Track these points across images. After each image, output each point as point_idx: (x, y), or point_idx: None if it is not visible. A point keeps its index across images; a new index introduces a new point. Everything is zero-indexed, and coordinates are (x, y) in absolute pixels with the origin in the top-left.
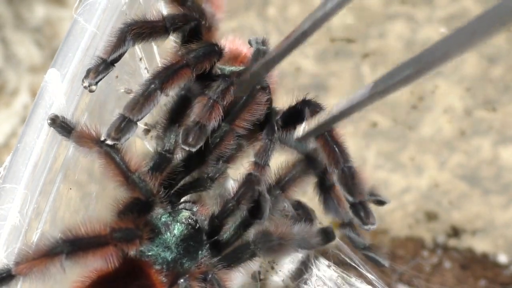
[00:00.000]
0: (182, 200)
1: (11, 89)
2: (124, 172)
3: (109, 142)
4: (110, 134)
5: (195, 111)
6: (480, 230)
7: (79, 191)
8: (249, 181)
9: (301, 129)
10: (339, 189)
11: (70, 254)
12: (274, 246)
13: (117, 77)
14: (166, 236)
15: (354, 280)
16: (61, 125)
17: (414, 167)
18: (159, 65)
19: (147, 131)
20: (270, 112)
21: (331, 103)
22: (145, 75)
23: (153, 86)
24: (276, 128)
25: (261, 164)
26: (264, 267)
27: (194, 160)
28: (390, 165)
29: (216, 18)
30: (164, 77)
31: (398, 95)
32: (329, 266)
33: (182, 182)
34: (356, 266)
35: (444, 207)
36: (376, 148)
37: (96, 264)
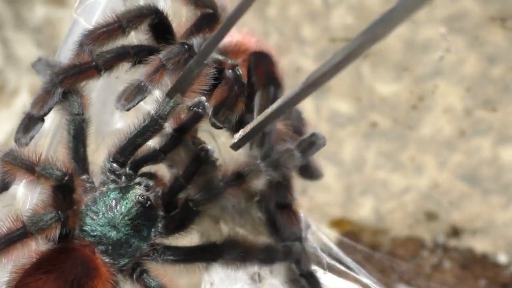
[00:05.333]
0: (140, 172)
1: (11, 89)
2: (29, 169)
3: (19, 143)
4: (19, 136)
5: (143, 71)
6: (480, 230)
7: None
8: (197, 157)
9: (237, 136)
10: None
11: None
12: (218, 194)
13: (117, 77)
14: (112, 214)
15: (351, 284)
16: None
17: (414, 167)
18: (67, 60)
19: None
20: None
21: (331, 104)
22: None
23: (54, 82)
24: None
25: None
26: (263, 271)
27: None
28: (390, 165)
29: (226, 10)
30: (67, 75)
31: (398, 95)
32: (324, 273)
33: (134, 156)
34: (353, 272)
35: (444, 207)
36: (376, 148)
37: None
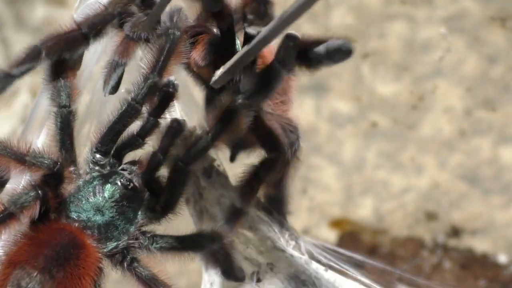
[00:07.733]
0: (124, 162)
1: (11, 89)
2: (19, 159)
3: None
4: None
5: (112, 50)
6: (480, 230)
7: None
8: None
9: (217, 73)
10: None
11: None
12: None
13: None
14: (96, 199)
15: (351, 282)
16: None
17: (414, 167)
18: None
19: None
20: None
21: (331, 104)
22: None
23: (38, 47)
24: None
25: None
26: (263, 269)
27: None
28: (390, 165)
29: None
30: (52, 41)
31: (398, 95)
32: (326, 270)
33: (117, 144)
34: (352, 273)
35: (444, 207)
36: (376, 148)
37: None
